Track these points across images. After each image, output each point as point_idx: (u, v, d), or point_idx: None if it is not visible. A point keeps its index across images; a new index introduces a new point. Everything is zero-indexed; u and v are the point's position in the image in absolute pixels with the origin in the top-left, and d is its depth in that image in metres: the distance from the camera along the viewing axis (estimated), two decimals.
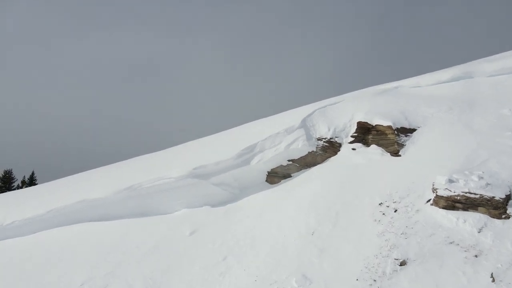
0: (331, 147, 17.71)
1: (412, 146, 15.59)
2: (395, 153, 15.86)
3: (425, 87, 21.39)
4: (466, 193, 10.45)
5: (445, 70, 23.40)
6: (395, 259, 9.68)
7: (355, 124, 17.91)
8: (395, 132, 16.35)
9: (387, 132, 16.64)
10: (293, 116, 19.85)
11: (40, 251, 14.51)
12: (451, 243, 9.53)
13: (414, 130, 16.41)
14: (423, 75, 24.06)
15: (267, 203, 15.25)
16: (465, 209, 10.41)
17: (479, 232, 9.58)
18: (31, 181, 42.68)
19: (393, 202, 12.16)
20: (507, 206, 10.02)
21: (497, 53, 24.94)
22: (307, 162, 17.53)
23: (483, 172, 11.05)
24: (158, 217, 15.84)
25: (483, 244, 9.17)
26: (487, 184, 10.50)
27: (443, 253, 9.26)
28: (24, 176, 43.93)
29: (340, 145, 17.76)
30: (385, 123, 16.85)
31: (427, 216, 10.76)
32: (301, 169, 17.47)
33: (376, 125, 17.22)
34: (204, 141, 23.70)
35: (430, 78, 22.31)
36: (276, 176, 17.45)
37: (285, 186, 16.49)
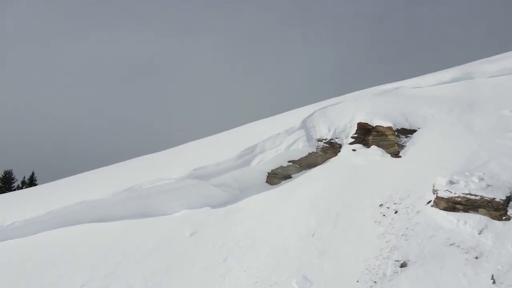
0: (331, 148, 17.70)
1: (412, 147, 15.57)
2: (396, 154, 15.84)
3: (425, 88, 21.37)
4: (466, 194, 10.44)
5: (445, 71, 23.38)
6: (395, 260, 9.67)
7: (356, 125, 17.89)
8: (396, 133, 16.33)
9: (387, 133, 16.63)
10: (294, 117, 19.84)
11: (40, 252, 14.52)
12: (451, 244, 9.52)
13: (414, 131, 16.39)
14: (423, 75, 24.05)
15: (267, 204, 15.24)
16: (465, 210, 10.39)
17: (479, 234, 9.56)
18: (31, 182, 42.69)
19: (394, 204, 12.15)
20: (507, 208, 10.00)
21: (498, 53, 24.93)
22: (307, 163, 17.52)
23: (483, 174, 11.03)
24: (158, 218, 15.85)
25: (483, 246, 9.15)
26: (488, 185, 10.49)
27: (443, 255, 9.24)
28: (24, 177, 43.96)
29: (340, 146, 17.75)
30: (385, 124, 16.84)
31: (427, 218, 10.74)
32: (301, 170, 17.46)
33: (376, 126, 17.20)
34: (204, 141, 23.69)
35: (431, 78, 22.28)
36: (276, 177, 17.44)
37: (285, 187, 16.49)
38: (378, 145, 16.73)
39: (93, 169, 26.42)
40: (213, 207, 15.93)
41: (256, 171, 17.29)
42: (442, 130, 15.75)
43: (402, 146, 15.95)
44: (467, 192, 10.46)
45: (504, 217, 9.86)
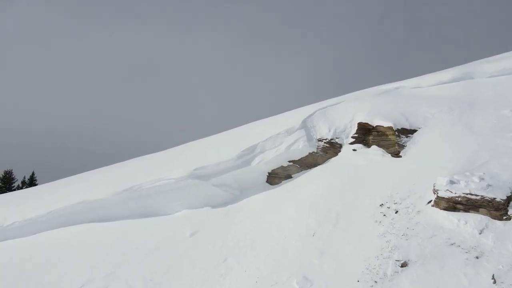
0: (331, 148, 17.70)
1: (413, 147, 15.57)
2: (396, 154, 15.84)
3: (425, 88, 21.37)
4: (467, 194, 10.43)
5: (445, 71, 23.38)
6: (396, 260, 9.67)
7: (356, 125, 17.89)
8: (396, 133, 16.33)
9: (387, 133, 16.63)
10: (294, 117, 19.84)
11: (40, 252, 14.51)
12: (452, 244, 9.51)
13: (414, 131, 16.39)
14: (423, 75, 24.06)
15: (267, 204, 15.24)
16: (466, 210, 10.39)
17: (480, 234, 9.55)
18: (31, 182, 42.70)
19: (394, 203, 12.15)
20: (508, 208, 9.99)
21: (498, 53, 24.94)
22: (307, 163, 17.52)
23: (484, 173, 11.02)
24: (158, 218, 15.85)
25: (484, 246, 9.15)
26: (488, 185, 10.48)
27: (444, 255, 9.24)
28: (24, 177, 43.98)
29: (340, 146, 17.74)
30: (385, 124, 16.83)
31: (428, 217, 10.74)
32: (301, 170, 17.46)
33: (376, 126, 17.20)
34: (205, 141, 23.69)
35: (431, 78, 22.29)
36: (276, 177, 17.44)
37: (285, 187, 16.48)
38: (379, 145, 16.73)
39: (93, 169, 26.44)
40: (213, 207, 15.92)
41: (256, 171, 17.28)
42: (442, 130, 15.75)
43: (402, 146, 15.94)
44: (468, 192, 10.45)
45: (504, 217, 9.85)
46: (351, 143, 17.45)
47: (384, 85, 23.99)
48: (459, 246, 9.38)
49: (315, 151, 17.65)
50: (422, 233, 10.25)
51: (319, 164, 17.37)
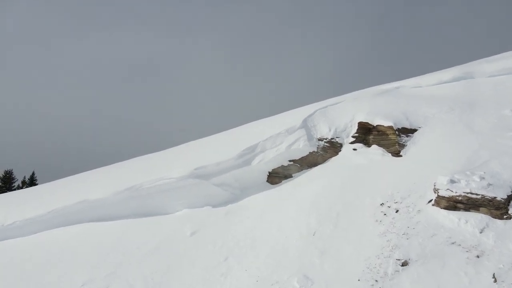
0: (332, 148, 17.71)
1: (413, 147, 15.57)
2: (396, 154, 15.85)
3: (426, 88, 21.39)
4: (467, 193, 10.43)
5: (445, 71, 23.41)
6: (396, 259, 9.67)
7: (356, 125, 17.90)
8: (396, 132, 16.34)
9: (388, 132, 16.64)
10: (294, 117, 19.85)
11: (40, 252, 14.49)
12: (452, 243, 9.51)
13: (415, 130, 16.40)
14: (423, 75, 24.08)
15: (268, 203, 15.24)
16: (466, 209, 10.39)
17: (480, 233, 9.56)
18: (31, 181, 42.69)
19: (395, 203, 12.15)
20: (508, 207, 9.99)
21: (497, 53, 24.96)
22: (308, 162, 17.52)
23: (484, 173, 11.02)
24: (159, 218, 15.83)
25: (484, 245, 9.15)
26: (489, 184, 10.48)
27: (444, 254, 9.24)
28: (25, 176, 43.97)
29: (341, 145, 17.75)
30: (386, 123, 16.84)
31: (428, 217, 10.74)
32: (302, 170, 17.47)
33: (377, 125, 17.21)
34: (205, 141, 23.68)
35: (431, 78, 22.31)
36: (277, 176, 17.44)
37: (286, 186, 16.48)
38: (379, 145, 16.74)
39: (93, 169, 26.42)
40: (214, 206, 15.92)
41: (256, 171, 17.29)
42: (442, 129, 15.76)
43: (403, 146, 15.95)
44: (468, 191, 10.45)
45: (505, 216, 9.86)
46: (352, 143, 17.46)
47: (384, 85, 24.01)
48: (460, 245, 9.38)
49: (316, 150, 17.66)
50: (422, 232, 10.25)
51: (319, 164, 17.37)
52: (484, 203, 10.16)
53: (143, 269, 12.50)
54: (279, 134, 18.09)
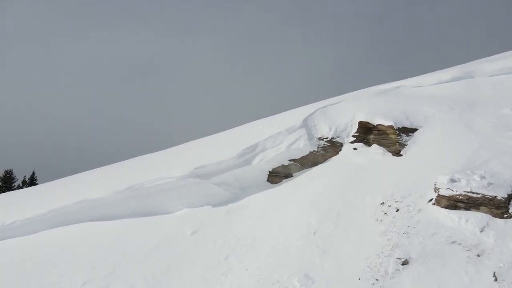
0: (332, 147, 17.72)
1: (413, 146, 15.59)
2: (397, 153, 15.86)
3: (426, 87, 21.42)
4: (468, 192, 10.44)
5: (445, 70, 23.45)
6: (397, 258, 9.67)
7: (356, 124, 17.92)
8: (397, 132, 16.36)
9: (388, 132, 16.65)
10: (294, 116, 19.86)
11: (40, 251, 14.48)
12: (453, 242, 9.52)
13: (415, 130, 16.43)
14: (424, 75, 24.11)
15: (268, 203, 15.24)
16: (467, 208, 10.39)
17: (481, 232, 9.56)
18: (31, 181, 42.72)
19: (395, 202, 12.16)
20: (509, 206, 9.99)
21: (497, 53, 25.01)
22: (308, 161, 17.54)
23: (485, 172, 11.03)
24: (159, 217, 15.84)
25: (485, 244, 9.15)
26: (489, 183, 10.49)
27: (445, 253, 9.24)
28: (25, 176, 44.01)
29: (341, 145, 17.77)
30: (386, 123, 16.86)
31: (429, 216, 10.75)
32: (302, 169, 17.48)
33: (377, 124, 17.23)
34: (205, 141, 23.70)
35: (431, 78, 22.34)
36: (277, 175, 17.45)
37: (286, 186, 16.49)
38: (379, 144, 16.76)
39: (93, 169, 26.42)
40: (214, 206, 15.92)
41: (257, 170, 17.30)
42: (443, 129, 15.78)
43: (403, 145, 15.97)
44: (469, 190, 10.45)
45: (505, 215, 9.86)
46: (352, 142, 17.49)
47: (385, 85, 24.05)
48: (460, 244, 9.38)
49: (316, 150, 17.67)
50: (423, 231, 10.26)
51: (320, 163, 17.38)
52: (485, 202, 10.17)
53: (143, 268, 12.49)
54: (280, 133, 18.10)
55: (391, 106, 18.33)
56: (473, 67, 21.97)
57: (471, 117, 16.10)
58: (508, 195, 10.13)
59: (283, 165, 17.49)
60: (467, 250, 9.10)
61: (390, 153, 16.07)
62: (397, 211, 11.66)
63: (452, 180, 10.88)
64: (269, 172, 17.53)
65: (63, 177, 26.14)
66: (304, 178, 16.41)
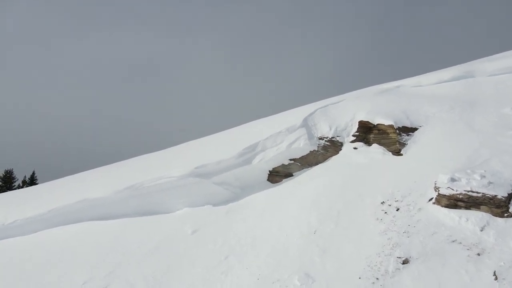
0: (332, 146, 17.71)
1: (414, 145, 15.57)
2: (397, 152, 15.85)
3: (426, 87, 21.37)
4: (468, 191, 10.43)
5: (446, 70, 23.40)
6: (397, 257, 9.67)
7: (357, 123, 17.89)
8: (397, 131, 16.34)
9: (388, 131, 16.64)
10: (295, 115, 19.85)
11: (40, 251, 14.48)
12: (453, 241, 9.51)
13: (415, 129, 16.41)
14: (424, 74, 24.06)
15: (268, 202, 15.23)
16: (467, 207, 10.39)
17: (481, 231, 9.55)
18: (31, 181, 42.74)
19: (395, 201, 12.15)
20: (509, 205, 9.99)
21: (497, 53, 24.97)
22: (308, 161, 17.52)
23: (485, 171, 11.02)
24: (159, 216, 15.83)
25: (485, 243, 9.14)
26: (490, 182, 10.48)
27: (445, 252, 9.24)
28: (25, 176, 44.05)
29: (341, 144, 17.75)
30: (386, 122, 16.84)
31: (429, 215, 10.74)
32: (302, 168, 17.47)
33: (377, 124, 17.21)
34: (205, 140, 23.69)
35: (431, 77, 22.30)
36: (277, 175, 17.44)
37: (286, 185, 16.48)
38: (380, 143, 16.75)
39: (93, 168, 26.41)
40: (215, 205, 15.91)
41: (257, 169, 17.28)
42: (443, 128, 15.76)
43: (403, 144, 15.95)
44: (469, 189, 10.45)
45: (506, 214, 9.85)
46: (352, 142, 17.47)
47: (385, 84, 24.00)
48: (461, 243, 9.38)
49: (316, 149, 17.66)
50: (423, 230, 10.25)
51: (320, 162, 17.37)
52: (485, 201, 10.16)
53: (143, 268, 12.49)
54: (280, 133, 18.08)
55: (391, 106, 18.30)
56: (473, 67, 21.94)
57: (472, 116, 16.08)
58: (508, 194, 10.12)
59: (283, 165, 17.48)
60: (468, 249, 9.10)
61: (390, 153, 16.05)
62: (397, 210, 11.65)
63: (453, 179, 10.87)
64: (270, 171, 17.52)
65: (63, 177, 26.15)
66: (305, 178, 16.40)
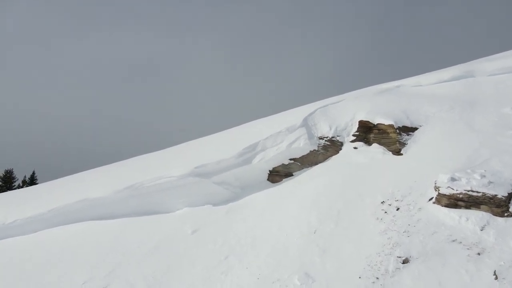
0: (332, 146, 17.71)
1: (414, 145, 15.57)
2: (397, 152, 15.85)
3: (426, 86, 21.37)
4: (468, 191, 10.43)
5: (446, 69, 23.41)
6: (397, 257, 9.67)
7: (357, 123, 17.89)
8: (397, 131, 16.34)
9: (388, 131, 16.64)
10: (295, 115, 19.85)
11: (40, 251, 14.47)
12: (453, 241, 9.51)
13: (415, 129, 16.41)
14: (424, 74, 24.06)
15: (269, 202, 15.23)
16: (467, 207, 10.38)
17: (481, 230, 9.55)
18: (31, 181, 42.74)
19: (395, 201, 12.15)
20: (509, 204, 9.99)
21: (497, 53, 24.96)
22: (308, 161, 17.52)
23: (485, 171, 11.01)
24: (159, 216, 15.83)
25: (485, 242, 9.14)
26: (490, 182, 10.48)
27: (445, 251, 9.23)
28: (25, 176, 44.05)
29: (341, 144, 17.75)
30: (386, 122, 16.85)
31: (429, 215, 10.74)
32: (302, 168, 17.46)
33: (377, 124, 17.21)
34: (205, 140, 23.69)
35: (432, 77, 22.30)
36: (277, 175, 17.44)
37: (286, 185, 16.47)
38: (380, 143, 16.75)
39: (93, 168, 26.40)
40: (215, 205, 15.90)
41: (257, 169, 17.28)
42: (443, 128, 15.76)
43: (403, 144, 15.96)
44: (469, 188, 10.44)
45: (506, 214, 9.85)
46: (352, 141, 17.46)
47: (385, 84, 24.00)
48: (461, 242, 9.37)
49: (316, 149, 17.66)
50: (423, 230, 10.25)
51: (320, 162, 17.37)
52: (485, 200, 10.16)
53: (143, 268, 12.49)
54: (280, 132, 18.08)
55: (391, 105, 18.30)
56: (473, 66, 21.94)
57: (472, 116, 16.08)
58: (508, 193, 10.12)
59: (283, 164, 17.48)
60: (468, 249, 9.10)
61: (391, 152, 16.05)
62: (397, 210, 11.65)
63: (453, 179, 10.86)
64: (270, 171, 17.52)
65: (63, 176, 26.14)
66: (305, 177, 16.40)
